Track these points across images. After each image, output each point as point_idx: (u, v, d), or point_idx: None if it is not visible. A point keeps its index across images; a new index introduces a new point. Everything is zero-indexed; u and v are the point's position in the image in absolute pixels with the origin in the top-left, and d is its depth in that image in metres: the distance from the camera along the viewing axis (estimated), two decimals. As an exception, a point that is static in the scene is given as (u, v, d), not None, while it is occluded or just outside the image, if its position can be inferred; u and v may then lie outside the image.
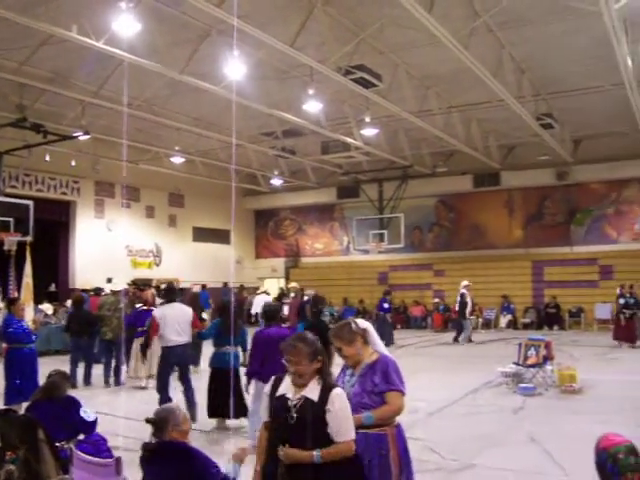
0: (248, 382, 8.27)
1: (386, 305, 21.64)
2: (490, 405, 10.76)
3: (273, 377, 4.21)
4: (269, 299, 22.31)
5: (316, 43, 14.03)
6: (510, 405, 10.62)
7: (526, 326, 25.67)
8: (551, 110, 20.50)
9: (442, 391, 12.01)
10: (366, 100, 18.07)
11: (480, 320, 26.27)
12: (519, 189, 28.27)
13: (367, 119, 19.71)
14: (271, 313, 8.79)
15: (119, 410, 9.86)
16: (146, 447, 4.19)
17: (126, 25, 12.04)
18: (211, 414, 9.35)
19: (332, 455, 3.82)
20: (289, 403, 3.91)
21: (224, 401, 8.25)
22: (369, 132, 21.30)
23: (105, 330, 13.80)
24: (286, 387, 4.02)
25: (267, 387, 4.20)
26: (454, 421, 9.67)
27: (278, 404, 3.99)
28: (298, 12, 13.33)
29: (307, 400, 3.88)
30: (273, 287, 31.21)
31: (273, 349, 7.84)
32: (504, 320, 26.09)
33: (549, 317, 25.67)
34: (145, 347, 11.24)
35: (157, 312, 10.17)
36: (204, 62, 15.04)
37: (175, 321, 9.75)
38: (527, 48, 16.12)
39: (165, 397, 9.49)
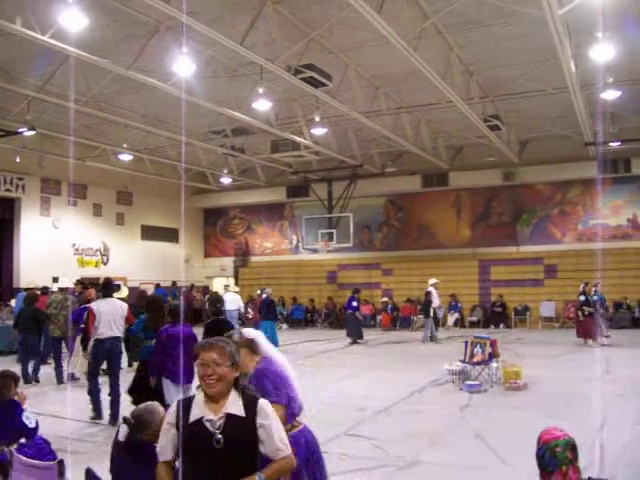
0: (151, 376, 8.36)
1: (355, 303, 21.81)
2: (437, 403, 10.88)
3: (176, 402, 3.56)
4: (237, 296, 22.49)
5: (266, 41, 14.02)
6: (456, 402, 10.76)
7: (473, 324, 26.04)
8: (498, 112, 20.83)
9: (390, 389, 12.12)
10: (316, 99, 18.13)
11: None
12: (467, 189, 28.65)
13: (317, 118, 19.75)
14: (176, 312, 8.94)
15: (66, 409, 9.80)
16: (122, 445, 4.18)
17: (73, 19, 11.85)
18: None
19: (276, 474, 3.42)
20: (210, 426, 3.30)
21: (146, 391, 8.26)
22: (319, 131, 21.33)
23: (52, 328, 14.01)
24: (200, 409, 3.39)
25: (170, 416, 3.51)
26: (401, 419, 9.75)
27: (195, 431, 3.33)
28: (248, 10, 13.31)
29: (232, 417, 3.33)
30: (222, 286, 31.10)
31: (176, 346, 8.03)
32: (452, 319, 26.39)
33: (495, 315, 26.05)
34: (85, 342, 11.30)
35: (94, 305, 10.33)
36: (153, 58, 14.91)
37: (110, 315, 9.98)
38: (475, 51, 16.35)
39: (97, 398, 9.88)
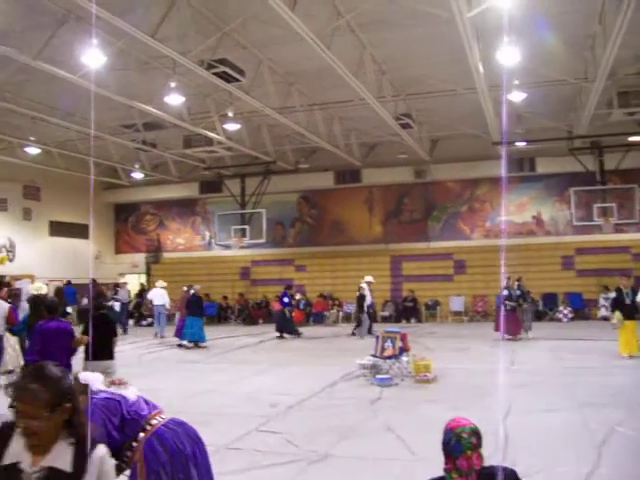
0: None
1: (286, 300, 21.99)
2: (348, 397, 10.99)
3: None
4: (163, 292, 22.69)
5: (179, 35, 13.80)
6: (367, 396, 10.90)
7: (385, 319, 26.40)
8: (410, 111, 21.18)
9: (302, 384, 12.19)
10: (229, 95, 18.05)
11: (341, 314, 26.87)
12: (379, 186, 29.08)
13: (230, 114, 19.66)
14: (53, 307, 8.88)
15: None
16: None
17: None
18: None
19: None
20: (24, 478, 2.62)
21: None
22: (232, 127, 21.23)
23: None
24: (19, 450, 2.67)
25: None
26: (313, 413, 9.82)
27: (6, 477, 2.64)
28: (160, 2, 13.09)
29: (54, 472, 2.63)
30: (134, 283, 30.61)
31: (50, 342, 8.06)
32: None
33: (407, 310, 26.50)
34: None
35: None
36: (62, 49, 14.44)
37: None
38: (388, 50, 16.56)
39: None
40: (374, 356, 12.84)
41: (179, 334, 19.66)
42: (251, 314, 27.91)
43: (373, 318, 22.44)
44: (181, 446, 4.20)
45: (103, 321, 9.48)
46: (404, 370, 12.59)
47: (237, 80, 15.86)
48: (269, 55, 16.75)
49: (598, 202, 24.54)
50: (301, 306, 26.84)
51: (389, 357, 12.68)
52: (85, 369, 7.15)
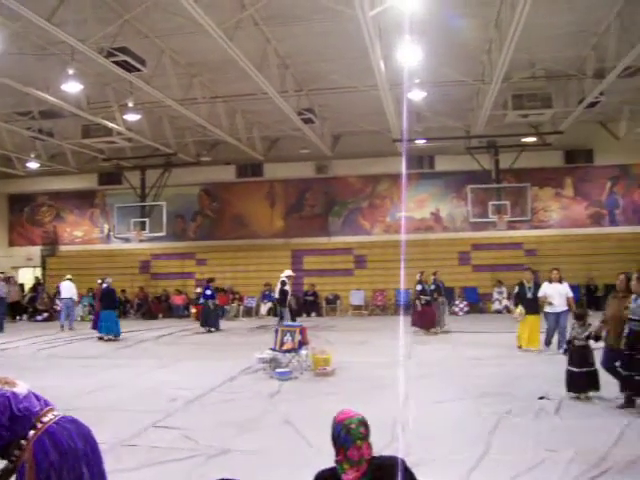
0: None
1: (209, 292, 21.74)
2: (248, 391, 10.97)
3: None
4: (72, 285, 22.34)
5: (77, 20, 13.38)
6: (267, 390, 10.91)
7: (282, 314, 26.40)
8: (312, 106, 21.31)
9: (202, 379, 12.08)
10: (130, 84, 17.68)
11: (241, 308, 26.81)
12: (281, 181, 29.15)
13: (130, 104, 19.27)
14: None
15: None
16: None
17: None
18: None
19: None
20: None
21: None
22: (132, 117, 20.79)
23: None
24: None
25: None
26: (212, 408, 9.76)
27: None
28: (58, -14, 12.71)
29: None
30: (29, 277, 29.68)
31: None
32: (265, 308, 26.71)
33: (307, 304, 26.66)
34: None
35: None
36: (-49, 31, 13.86)
37: None
38: (291, 44, 16.60)
39: None
40: (273, 350, 12.87)
41: (96, 327, 19.68)
42: (151, 308, 27.46)
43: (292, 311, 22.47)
44: (73, 445, 4.07)
45: None
46: (303, 363, 12.67)
47: (138, 70, 15.55)
48: (171, 45, 16.51)
49: (493, 200, 25.43)
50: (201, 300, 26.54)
51: (288, 351, 12.72)
52: None
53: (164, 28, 15.20)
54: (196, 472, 6.72)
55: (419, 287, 19.10)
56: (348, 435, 3.20)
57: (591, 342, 9.82)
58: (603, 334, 9.68)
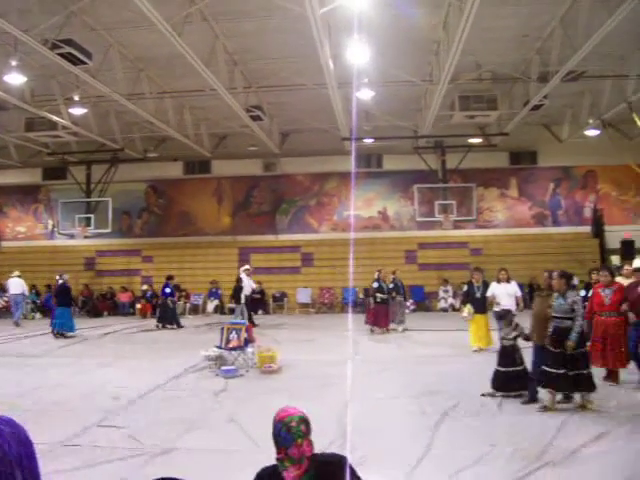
0: None
1: (168, 290, 21.60)
2: (193, 389, 10.91)
3: None
4: (21, 281, 22.29)
5: (21, 10, 13.12)
6: (212, 388, 10.86)
7: (232, 311, 26.22)
8: (261, 103, 21.26)
9: (146, 377, 11.95)
10: (76, 78, 17.36)
11: (188, 305, 26.61)
12: (229, 178, 29.03)
13: (76, 97, 18.95)
14: None
15: None
16: None
17: None
18: None
19: None
20: None
21: None
22: (78, 111, 20.46)
23: None
24: None
25: None
26: (156, 406, 9.67)
27: None
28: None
29: None
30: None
31: None
32: (211, 305, 26.57)
33: (255, 302, 26.51)
34: None
35: None
36: None
37: None
38: (241, 41, 16.54)
39: None
40: (219, 347, 12.82)
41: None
42: (96, 306, 27.05)
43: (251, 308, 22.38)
44: (6, 448, 3.95)
45: None
46: (249, 361, 12.65)
47: (84, 63, 15.27)
48: (119, 39, 16.28)
49: (440, 199, 25.75)
50: (148, 297, 26.29)
51: (234, 348, 12.70)
52: None
53: (112, 21, 14.98)
54: (138, 472, 6.63)
55: (375, 284, 18.94)
56: (289, 433, 3.21)
57: (520, 341, 9.97)
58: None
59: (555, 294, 9.15)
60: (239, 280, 21.23)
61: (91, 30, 15.31)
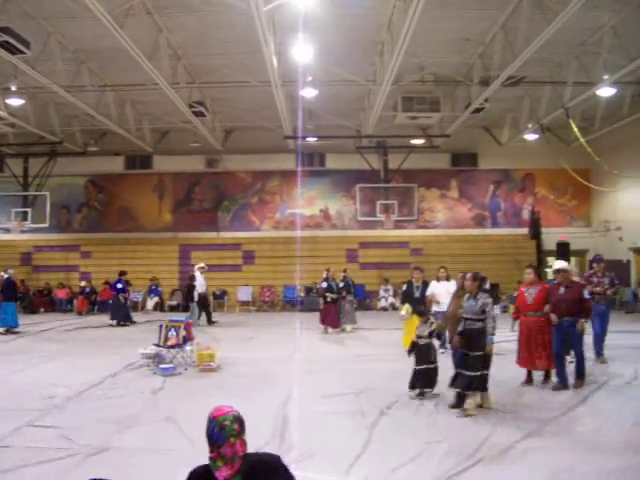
0: None
1: (120, 285, 21.40)
2: (130, 387, 10.77)
3: None
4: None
5: (-46, -4, 12.78)
6: (150, 386, 10.75)
7: (173, 308, 26.10)
8: (204, 99, 21.11)
9: (82, 375, 11.75)
10: (14, 68, 16.92)
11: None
12: (170, 174, 28.74)
13: (13, 88, 18.50)
14: None
15: None
16: None
17: None
18: None
19: None
20: None
21: None
22: (15, 102, 19.98)
23: None
24: None
25: None
26: (92, 405, 9.52)
27: None
28: None
29: None
30: None
31: None
32: (151, 302, 26.26)
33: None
34: None
35: None
36: None
37: None
38: (184, 35, 16.38)
39: None
40: (157, 345, 12.68)
41: None
42: (32, 302, 26.44)
43: (209, 306, 22.32)
44: None
45: None
46: (188, 359, 12.55)
47: (22, 52, 14.89)
48: (59, 29, 15.92)
49: (381, 199, 25.94)
50: (85, 293, 25.84)
51: (173, 346, 12.58)
52: None
53: (52, 10, 14.63)
54: (70, 473, 6.51)
55: (324, 284, 18.65)
56: (222, 432, 3.19)
57: (434, 339, 10.12)
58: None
59: (466, 295, 9.27)
60: (192, 278, 21.08)
61: (30, 19, 14.91)
